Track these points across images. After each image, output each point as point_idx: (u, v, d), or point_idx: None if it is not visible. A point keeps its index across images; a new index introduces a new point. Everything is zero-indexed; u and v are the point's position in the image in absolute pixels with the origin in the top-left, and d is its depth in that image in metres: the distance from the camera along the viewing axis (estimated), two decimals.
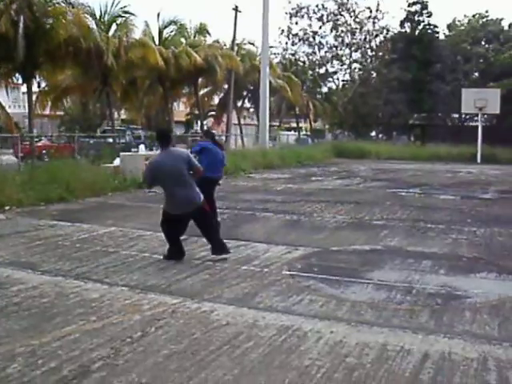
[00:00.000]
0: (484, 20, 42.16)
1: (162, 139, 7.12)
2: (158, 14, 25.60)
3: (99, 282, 6.16)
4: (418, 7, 40.40)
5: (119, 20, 22.30)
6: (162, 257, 7.21)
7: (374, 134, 47.21)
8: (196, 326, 4.77)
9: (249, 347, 4.32)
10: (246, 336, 4.56)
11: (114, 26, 22.47)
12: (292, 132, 49.59)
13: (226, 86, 33.10)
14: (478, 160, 28.15)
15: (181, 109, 47.04)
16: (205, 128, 28.73)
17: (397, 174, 21.82)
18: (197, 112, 35.56)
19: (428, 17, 40.44)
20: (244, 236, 8.87)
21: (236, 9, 30.26)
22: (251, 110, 46.76)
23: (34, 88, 21.74)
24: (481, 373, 3.91)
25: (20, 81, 20.85)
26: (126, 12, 22.04)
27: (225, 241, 8.12)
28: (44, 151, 21.40)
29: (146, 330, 4.69)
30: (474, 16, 43.16)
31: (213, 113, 40.52)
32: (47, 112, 26.91)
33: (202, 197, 7.06)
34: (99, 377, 3.81)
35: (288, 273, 6.65)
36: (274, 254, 7.59)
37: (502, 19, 41.76)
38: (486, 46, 40.22)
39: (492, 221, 10.49)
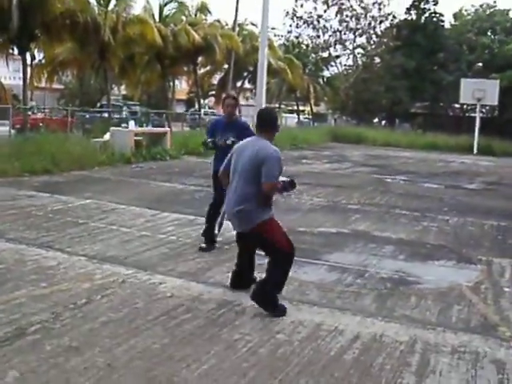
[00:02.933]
0: (491, 10, 41.78)
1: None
2: None
3: (60, 250, 6.25)
4: None
5: None
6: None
7: (376, 120, 47.05)
8: (140, 297, 4.87)
9: (185, 319, 4.42)
10: (186, 308, 4.65)
11: (113, 1, 22.37)
12: (294, 115, 49.40)
13: (226, 66, 32.95)
14: (475, 151, 28.08)
15: (183, 86, 46.99)
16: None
17: (388, 161, 21.81)
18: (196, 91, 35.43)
19: (434, 5, 40.13)
20: None
21: None
22: (253, 90, 46.54)
23: (30, 60, 21.71)
24: (405, 355, 3.99)
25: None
26: None
27: (194, 217, 8.28)
28: (41, 124, 21.49)
29: (91, 297, 4.79)
30: (481, 6, 42.79)
31: (213, 92, 40.43)
32: (45, 85, 26.86)
33: None
34: (32, 340, 3.91)
35: None
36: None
37: (509, 10, 41.44)
38: (492, 36, 39.91)
39: (469, 211, 10.55)
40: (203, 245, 6.66)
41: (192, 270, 5.77)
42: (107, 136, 16.09)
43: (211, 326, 4.32)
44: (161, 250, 6.53)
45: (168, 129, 19.56)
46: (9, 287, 4.97)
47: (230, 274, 5.31)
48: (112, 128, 16.58)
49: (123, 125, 16.86)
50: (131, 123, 16.45)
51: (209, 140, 6.75)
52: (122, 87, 37.21)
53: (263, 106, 28.21)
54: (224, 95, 7.81)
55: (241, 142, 5.05)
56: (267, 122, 4.89)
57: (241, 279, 5.16)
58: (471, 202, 11.96)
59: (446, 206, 10.95)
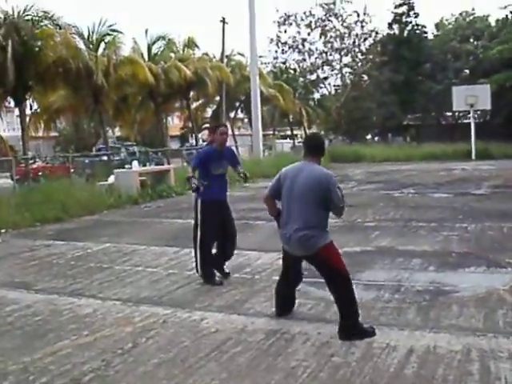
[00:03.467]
0: (471, 18, 42.49)
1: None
2: (146, 31, 25.78)
3: (92, 297, 6.24)
4: (404, 8, 40.73)
5: (107, 38, 22.39)
6: None
7: (369, 136, 47.33)
8: (186, 335, 4.84)
9: (237, 352, 4.40)
10: (235, 341, 4.63)
11: (102, 45, 22.57)
12: (287, 140, 49.68)
13: (217, 98, 33.25)
14: (473, 156, 28.23)
15: (175, 122, 47.28)
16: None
17: (391, 176, 21.89)
18: (191, 125, 35.70)
19: (415, 17, 40.76)
20: (238, 245, 8.91)
21: (223, 21, 30.47)
22: (245, 120, 47.00)
23: (27, 111, 21.84)
24: (464, 364, 3.98)
25: (12, 104, 20.96)
26: (113, 30, 22.08)
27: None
28: (40, 173, 21.53)
29: (136, 341, 4.76)
30: (460, 14, 43.50)
31: (207, 125, 40.67)
32: (42, 134, 27.03)
33: None
34: None
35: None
36: (266, 261, 7.67)
37: (488, 16, 42.16)
38: (475, 42, 40.52)
39: (483, 216, 10.57)
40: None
41: (229, 303, 5.75)
42: (112, 179, 16.14)
43: (265, 356, 4.29)
44: (192, 286, 6.52)
45: (171, 166, 19.63)
46: (51, 338, 4.94)
47: (272, 303, 5.29)
48: (116, 170, 16.64)
49: (127, 166, 16.92)
50: (135, 163, 16.52)
51: (196, 183, 6.34)
52: (116, 129, 37.42)
53: (260, 133, 28.63)
54: (213, 125, 7.91)
55: (289, 167, 4.98)
56: (317, 147, 4.95)
57: (286, 302, 5.22)
58: (483, 207, 11.98)
59: (461, 214, 10.97)
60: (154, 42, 25.79)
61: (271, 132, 46.21)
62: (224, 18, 30.36)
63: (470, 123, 30.49)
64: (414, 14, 40.56)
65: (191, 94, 29.68)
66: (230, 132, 32.86)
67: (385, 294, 5.80)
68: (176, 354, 4.41)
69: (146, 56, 25.68)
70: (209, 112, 38.59)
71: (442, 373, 3.84)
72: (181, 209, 13.95)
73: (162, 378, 3.99)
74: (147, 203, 15.21)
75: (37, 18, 18.67)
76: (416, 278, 6.39)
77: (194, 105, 34.40)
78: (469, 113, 31.70)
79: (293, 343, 4.53)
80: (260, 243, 9.11)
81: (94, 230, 11.35)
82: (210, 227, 6.56)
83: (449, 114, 40.87)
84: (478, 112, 34.63)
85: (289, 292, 5.23)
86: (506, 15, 36.88)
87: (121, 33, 22.34)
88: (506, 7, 30.45)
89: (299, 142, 50.95)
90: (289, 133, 50.41)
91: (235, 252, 8.18)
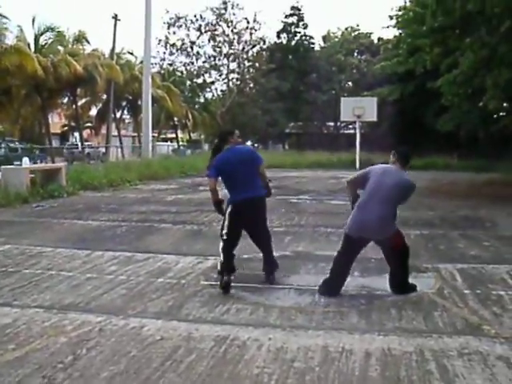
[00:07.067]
0: (356, 33, 44.75)
1: None
2: (34, 20, 24.21)
3: (7, 305, 5.66)
4: (294, 19, 41.96)
5: None
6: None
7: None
8: (130, 344, 4.54)
9: (192, 361, 4.19)
10: (185, 349, 4.42)
11: None
12: (168, 142, 49.18)
13: (104, 97, 32.14)
14: (357, 166, 29.54)
15: (55, 120, 45.05)
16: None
17: (282, 182, 22.25)
18: (73, 124, 34.22)
19: (304, 28, 42.23)
20: (149, 248, 8.65)
21: (115, 17, 29.51)
22: (126, 121, 45.99)
23: None
24: (422, 364, 4.10)
25: None
26: None
27: (131, 254, 8.00)
28: None
29: (76, 352, 4.38)
30: (346, 29, 45.70)
31: (89, 124, 39.21)
32: None
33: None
34: None
35: (206, 283, 6.56)
36: (186, 265, 7.47)
37: (371, 33, 44.68)
38: (359, 57, 42.72)
39: None
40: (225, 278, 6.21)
41: (165, 309, 5.49)
42: None
43: (223, 364, 4.13)
44: (118, 291, 6.15)
45: (62, 164, 18.60)
46: None
47: (209, 308, 5.20)
48: (3, 167, 15.46)
49: (16, 162, 15.79)
50: (25, 160, 15.47)
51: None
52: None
53: (150, 135, 28.02)
54: (228, 129, 7.79)
55: (381, 167, 6.05)
56: (408, 159, 6.11)
57: (337, 284, 5.98)
58: None
59: None
60: (42, 33, 24.34)
61: (156, 134, 45.43)
62: (116, 15, 29.48)
63: (351, 133, 32.01)
64: (303, 24, 42.02)
65: (78, 90, 28.42)
66: (115, 133, 31.83)
67: (320, 299, 5.84)
68: (127, 366, 4.11)
69: (32, 47, 24.16)
70: (93, 111, 37.20)
71: (406, 373, 3.92)
72: (77, 209, 13.26)
73: None
74: (38, 203, 14.25)
75: None
76: (345, 282, 6.49)
77: (80, 102, 33.00)
78: (350, 123, 33.28)
79: (247, 350, 4.41)
80: (173, 246, 8.90)
81: None
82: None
83: (331, 124, 42.63)
84: (362, 123, 36.47)
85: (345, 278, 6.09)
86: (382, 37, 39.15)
87: (6, 18, 20.83)
88: (388, 27, 32.34)
89: (182, 145, 50.70)
90: (169, 135, 50.01)
91: (151, 256, 7.98)
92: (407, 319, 5.11)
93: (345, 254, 6.03)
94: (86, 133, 43.86)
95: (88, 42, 27.78)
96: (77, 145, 32.20)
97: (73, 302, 5.74)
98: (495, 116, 26.67)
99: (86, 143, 40.42)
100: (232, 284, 6.21)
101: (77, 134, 33.71)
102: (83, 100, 33.59)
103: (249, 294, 6.06)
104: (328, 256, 7.84)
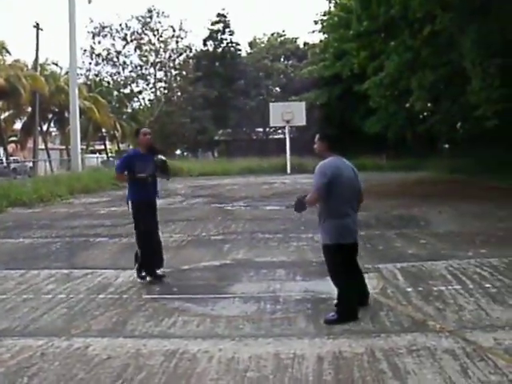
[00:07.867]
0: (282, 38, 45.36)
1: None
2: None
3: None
4: (220, 26, 42.09)
5: None
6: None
7: (179, 152, 47.70)
8: (76, 366, 4.36)
9: (143, 378, 4.08)
10: (135, 367, 4.29)
11: None
12: (97, 154, 48.11)
13: (29, 109, 31.06)
14: (288, 171, 29.89)
15: None
16: None
17: (215, 190, 22.27)
18: None
19: (230, 35, 42.46)
20: (87, 264, 8.39)
21: (37, 26, 28.56)
22: (53, 134, 44.68)
23: None
24: (373, 364, 4.17)
25: None
26: None
27: (68, 270, 7.75)
28: None
29: (17, 382, 4.12)
30: (272, 34, 46.22)
31: (14, 138, 37.76)
32: None
33: None
34: None
35: (149, 296, 6.43)
36: (127, 279, 7.29)
37: (297, 38, 45.39)
38: (286, 62, 43.34)
39: None
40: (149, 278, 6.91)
41: (109, 326, 5.33)
42: None
43: (175, 379, 4.03)
44: (58, 311, 5.91)
45: None
46: None
47: (155, 322, 5.01)
48: None
49: None
50: None
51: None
52: None
53: (78, 147, 27.29)
54: (136, 128, 8.15)
55: (332, 166, 5.23)
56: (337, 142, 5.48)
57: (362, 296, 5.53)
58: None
59: (302, 225, 11.34)
60: None
61: (84, 146, 44.31)
62: (38, 24, 28.49)
63: (280, 138, 32.37)
64: (229, 31, 42.23)
65: (0, 103, 27.31)
66: (42, 146, 30.86)
67: (266, 306, 5.83)
68: None
69: None
70: (18, 124, 35.86)
71: (359, 375, 3.97)
72: (6, 227, 12.72)
73: None
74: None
75: None
76: (288, 287, 6.53)
77: (3, 116, 31.71)
78: (279, 129, 33.65)
79: (198, 363, 4.33)
80: (111, 260, 8.69)
81: None
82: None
83: (260, 129, 42.96)
84: (291, 128, 36.96)
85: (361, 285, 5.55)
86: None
87: None
88: (314, 32, 33.02)
89: (111, 157, 49.67)
90: (99, 147, 48.94)
91: (89, 272, 7.74)
92: (357, 321, 5.17)
93: (344, 264, 5.30)
94: (10, 147, 42.23)
95: (8, 53, 26.84)
96: (1, 160, 30.85)
97: (8, 326, 5.44)
98: (421, 116, 27.73)
99: (12, 158, 38.97)
100: (176, 296, 6.13)
101: (1, 149, 32.30)
102: (6, 113, 32.36)
103: (194, 306, 5.98)
104: (268, 262, 7.96)
